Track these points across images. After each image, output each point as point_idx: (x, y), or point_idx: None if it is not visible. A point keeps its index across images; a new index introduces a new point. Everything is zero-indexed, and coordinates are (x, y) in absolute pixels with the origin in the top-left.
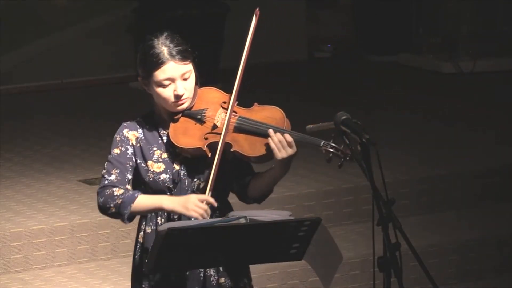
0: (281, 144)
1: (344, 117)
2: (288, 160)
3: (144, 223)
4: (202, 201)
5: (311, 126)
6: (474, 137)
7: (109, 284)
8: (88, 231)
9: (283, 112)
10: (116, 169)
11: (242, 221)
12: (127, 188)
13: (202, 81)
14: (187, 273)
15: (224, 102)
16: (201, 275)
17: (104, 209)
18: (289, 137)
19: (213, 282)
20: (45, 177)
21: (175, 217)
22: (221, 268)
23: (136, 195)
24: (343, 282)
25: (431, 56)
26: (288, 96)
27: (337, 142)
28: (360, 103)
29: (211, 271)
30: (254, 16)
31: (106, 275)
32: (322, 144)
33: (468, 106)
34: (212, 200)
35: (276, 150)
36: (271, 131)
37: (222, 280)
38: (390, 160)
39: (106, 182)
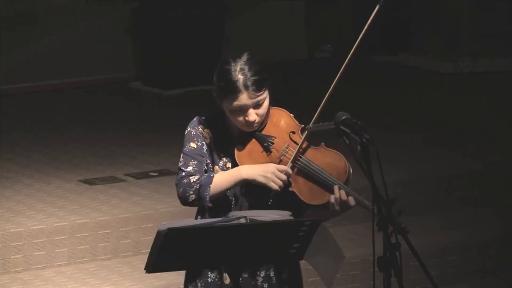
0: (342, 202)
1: (344, 117)
2: (343, 212)
3: (199, 217)
4: (281, 171)
5: (310, 125)
6: (474, 137)
7: (109, 284)
8: (88, 231)
9: (346, 162)
10: (193, 161)
11: (242, 221)
12: (202, 174)
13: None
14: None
15: (293, 132)
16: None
17: (184, 199)
18: (352, 202)
19: None
20: (45, 177)
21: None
22: (274, 279)
23: (212, 175)
24: (343, 282)
25: (431, 56)
26: (287, 96)
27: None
28: (360, 103)
29: (265, 285)
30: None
31: (106, 275)
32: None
33: (467, 106)
34: (290, 171)
35: (335, 205)
36: (336, 187)
37: None
38: (389, 160)
39: (183, 174)
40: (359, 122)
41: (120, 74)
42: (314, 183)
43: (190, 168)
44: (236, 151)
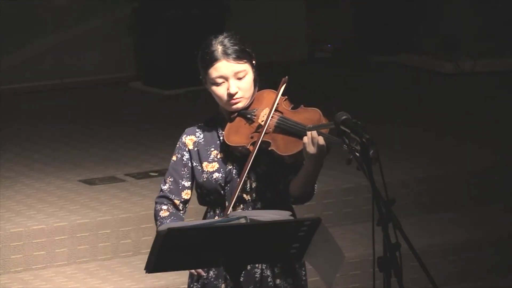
0: (312, 140)
1: (344, 117)
2: (318, 156)
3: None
4: None
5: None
6: (474, 137)
7: (109, 284)
8: (88, 231)
9: (321, 113)
10: (170, 178)
11: (242, 221)
12: (171, 212)
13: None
14: (242, 273)
15: (277, 104)
16: (256, 276)
17: (154, 219)
18: (321, 140)
19: (270, 283)
20: (45, 177)
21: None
22: (276, 269)
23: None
24: (343, 282)
25: (431, 56)
26: (287, 96)
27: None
28: (360, 103)
29: (268, 272)
30: (283, 84)
31: (106, 275)
32: (344, 145)
33: (467, 106)
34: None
35: (305, 145)
36: (308, 132)
37: (278, 281)
38: (390, 160)
39: (160, 192)
40: (359, 122)
41: (120, 74)
42: (290, 135)
43: (166, 187)
44: (224, 133)
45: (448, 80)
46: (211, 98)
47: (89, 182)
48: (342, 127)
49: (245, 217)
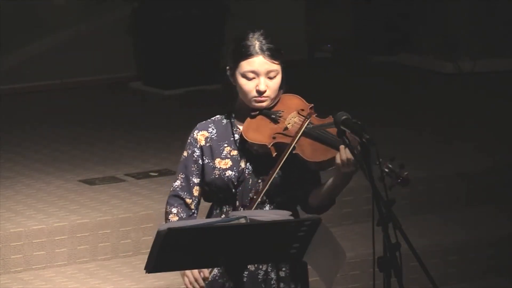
0: (347, 162)
1: (344, 117)
2: (350, 175)
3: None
4: (196, 279)
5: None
6: (474, 137)
7: (109, 284)
8: (88, 231)
9: None
10: (181, 174)
11: (242, 221)
12: (180, 217)
13: (202, 79)
14: (245, 273)
15: (302, 110)
16: (260, 277)
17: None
18: (354, 160)
19: (273, 286)
20: (45, 177)
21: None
22: (280, 273)
23: None
24: (343, 282)
25: (431, 56)
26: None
27: (394, 164)
28: (360, 103)
29: (272, 274)
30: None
31: (106, 275)
32: (378, 163)
33: (467, 106)
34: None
35: (340, 165)
36: (342, 147)
37: (282, 285)
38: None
39: (171, 189)
40: (359, 122)
41: (120, 74)
42: (318, 142)
43: (177, 183)
44: (243, 128)
45: (448, 80)
46: (211, 99)
47: (89, 182)
48: (342, 127)
49: (245, 217)
